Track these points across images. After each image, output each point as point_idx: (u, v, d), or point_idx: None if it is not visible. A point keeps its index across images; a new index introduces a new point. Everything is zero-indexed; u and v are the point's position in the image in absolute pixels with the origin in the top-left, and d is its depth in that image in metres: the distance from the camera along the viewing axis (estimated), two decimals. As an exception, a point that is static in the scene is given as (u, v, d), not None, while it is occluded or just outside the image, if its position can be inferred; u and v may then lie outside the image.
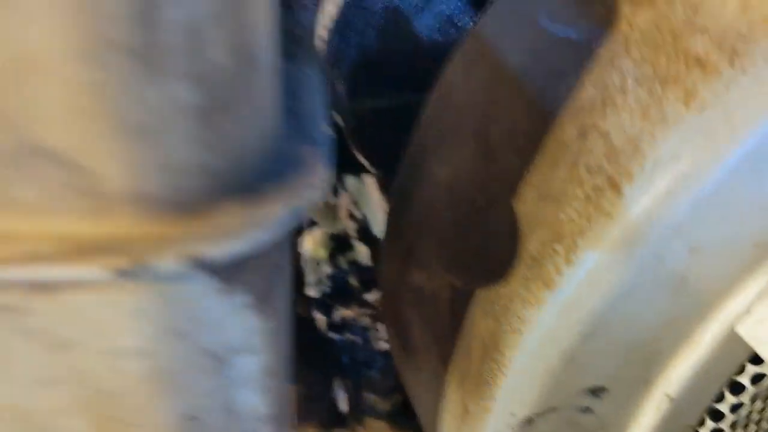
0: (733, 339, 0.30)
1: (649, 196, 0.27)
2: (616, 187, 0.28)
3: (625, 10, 0.31)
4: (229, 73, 0.18)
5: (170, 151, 0.18)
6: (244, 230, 0.19)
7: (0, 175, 0.18)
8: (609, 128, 0.29)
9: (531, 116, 0.32)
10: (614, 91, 0.29)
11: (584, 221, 0.29)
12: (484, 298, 0.32)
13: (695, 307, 0.30)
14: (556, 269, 0.29)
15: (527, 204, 0.31)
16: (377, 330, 0.66)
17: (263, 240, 0.19)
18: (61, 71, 0.17)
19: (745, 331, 0.29)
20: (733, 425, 0.32)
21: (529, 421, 0.32)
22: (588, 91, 0.30)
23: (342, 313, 0.67)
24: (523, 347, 0.30)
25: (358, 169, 0.59)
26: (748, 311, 0.29)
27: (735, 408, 0.32)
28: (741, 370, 0.31)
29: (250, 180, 0.20)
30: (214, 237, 0.19)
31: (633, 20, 0.30)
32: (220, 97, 0.18)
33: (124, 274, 0.18)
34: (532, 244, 0.30)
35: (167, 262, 0.18)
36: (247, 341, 0.22)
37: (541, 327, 0.30)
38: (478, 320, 0.32)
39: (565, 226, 0.29)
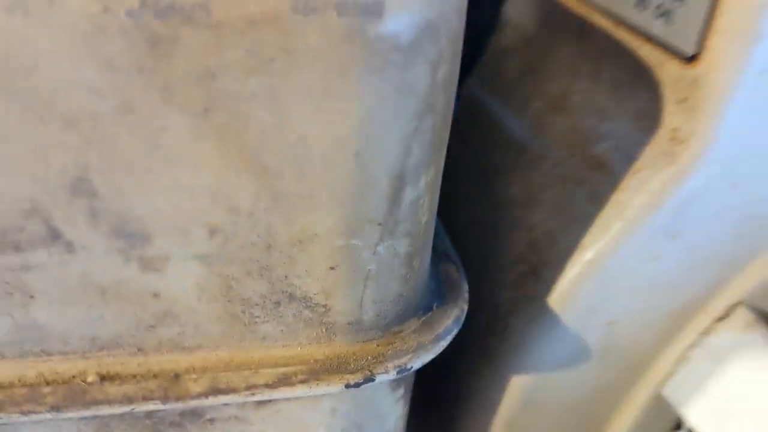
0: (660, 401, 0.34)
1: (564, 280, 0.31)
2: (536, 273, 0.32)
3: (549, 118, 0.35)
4: (426, 227, 0.24)
5: (384, 288, 0.24)
6: (432, 344, 0.25)
7: (252, 316, 0.23)
8: (533, 222, 0.33)
9: (484, 207, 0.36)
10: (537, 189, 0.34)
11: (512, 305, 0.33)
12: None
13: (622, 374, 0.34)
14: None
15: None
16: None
17: (442, 346, 0.25)
18: (329, 241, 0.22)
19: (668, 394, 0.34)
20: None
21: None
22: (517, 187, 0.35)
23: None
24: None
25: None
26: (670, 374, 0.34)
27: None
28: (678, 427, 0.36)
29: (423, 302, 0.26)
30: (413, 350, 0.25)
31: (554, 127, 0.35)
32: (419, 245, 0.24)
33: (351, 386, 0.24)
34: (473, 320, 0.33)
35: (389, 374, 0.24)
36: (396, 426, 0.28)
37: (483, 398, 0.34)
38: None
39: (501, 308, 0.33)
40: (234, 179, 0.20)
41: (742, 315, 0.33)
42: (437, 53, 0.20)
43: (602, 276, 0.31)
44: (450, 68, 0.21)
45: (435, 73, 0.20)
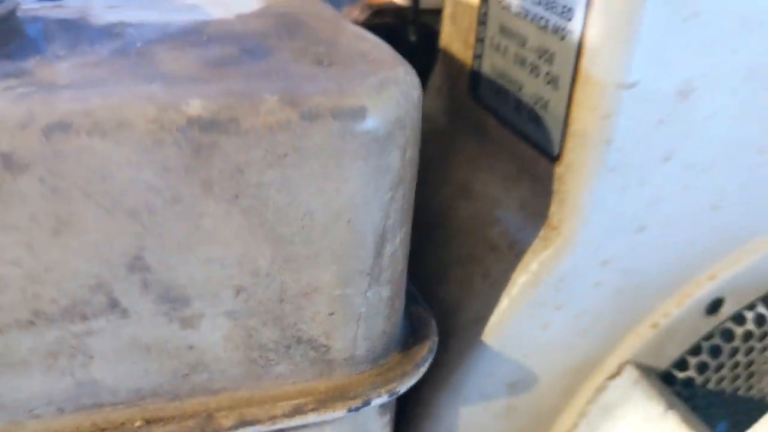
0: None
1: (466, 348, 0.36)
2: (443, 342, 0.35)
3: (455, 202, 0.40)
4: (401, 274, 0.30)
5: (372, 327, 0.30)
6: (413, 371, 0.31)
7: (267, 359, 0.29)
8: (442, 296, 0.38)
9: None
10: (446, 266, 0.38)
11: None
12: None
13: (528, 430, 0.39)
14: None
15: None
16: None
17: (422, 372, 0.31)
18: (329, 291, 0.28)
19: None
20: None
21: None
22: (430, 263, 0.39)
23: None
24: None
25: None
26: (573, 428, 0.38)
27: None
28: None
29: (401, 336, 0.32)
30: (399, 377, 0.30)
31: (459, 211, 0.39)
32: (397, 289, 0.30)
33: (353, 410, 0.29)
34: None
35: (382, 398, 0.30)
36: (384, 447, 0.33)
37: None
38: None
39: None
40: (255, 248, 0.26)
41: (630, 372, 0.38)
42: (405, 140, 0.27)
43: (498, 344, 0.36)
44: (414, 150, 0.27)
45: (404, 155, 0.27)
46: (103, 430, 0.27)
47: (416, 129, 0.27)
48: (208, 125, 0.24)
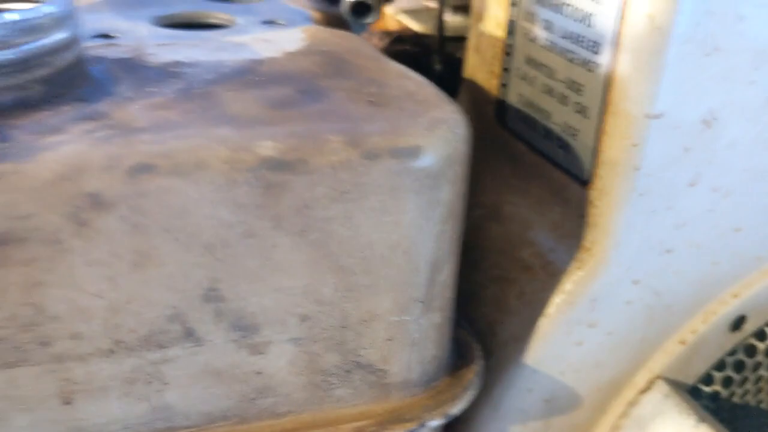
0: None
1: (504, 366, 0.37)
2: None
3: (486, 224, 0.41)
4: (450, 301, 0.32)
5: (425, 351, 0.32)
6: (462, 394, 0.32)
7: (329, 383, 0.30)
8: (476, 316, 0.39)
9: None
10: (479, 287, 0.40)
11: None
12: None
13: None
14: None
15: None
16: None
17: (472, 395, 0.33)
18: (386, 318, 0.30)
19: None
20: None
21: None
22: (463, 284, 0.37)
23: None
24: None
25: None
26: None
27: None
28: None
29: (450, 361, 0.33)
30: (451, 401, 0.32)
31: (490, 232, 0.41)
32: (447, 315, 0.32)
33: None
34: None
35: (438, 420, 0.31)
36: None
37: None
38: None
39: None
40: (320, 278, 0.28)
41: (660, 387, 0.40)
42: (455, 175, 0.28)
43: (536, 361, 0.37)
44: (463, 184, 0.29)
45: (454, 189, 0.29)
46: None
47: (465, 164, 0.29)
48: (278, 165, 0.26)
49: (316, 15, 0.42)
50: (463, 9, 0.54)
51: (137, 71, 0.31)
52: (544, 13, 0.38)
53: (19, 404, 0.27)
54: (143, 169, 0.24)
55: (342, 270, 0.28)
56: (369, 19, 0.42)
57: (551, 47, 0.38)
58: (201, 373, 0.28)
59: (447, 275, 0.30)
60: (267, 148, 0.26)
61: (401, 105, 0.29)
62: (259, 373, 0.29)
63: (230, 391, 0.29)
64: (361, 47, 0.36)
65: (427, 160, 0.27)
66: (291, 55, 0.34)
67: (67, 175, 0.24)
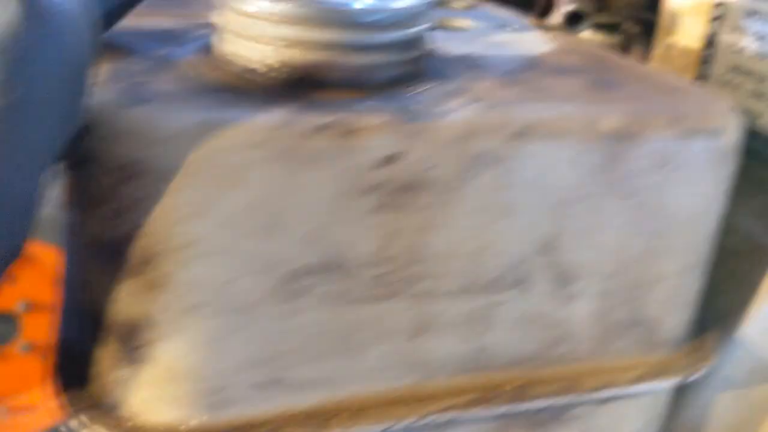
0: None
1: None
2: None
3: None
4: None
5: (689, 313, 0.36)
6: (710, 355, 0.36)
7: (616, 334, 0.34)
8: None
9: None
10: None
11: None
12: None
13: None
14: None
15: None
16: None
17: (715, 358, 0.37)
18: (673, 279, 0.34)
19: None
20: None
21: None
22: None
23: None
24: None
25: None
26: None
27: None
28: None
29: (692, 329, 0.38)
30: (703, 361, 0.36)
31: None
32: (704, 282, 0.36)
33: (679, 382, 0.35)
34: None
35: (698, 374, 0.35)
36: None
37: None
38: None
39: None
40: (630, 239, 0.32)
41: None
42: (737, 155, 0.33)
43: (754, 331, 0.41)
44: (737, 164, 0.34)
45: (735, 167, 0.33)
46: (493, 387, 0.33)
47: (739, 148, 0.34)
48: (620, 136, 0.30)
49: (533, 21, 0.46)
50: (607, 28, 0.59)
51: (447, 60, 0.35)
52: (756, 26, 0.43)
53: (377, 337, 0.31)
54: (524, 132, 0.29)
55: (648, 233, 0.32)
56: (582, 27, 0.47)
57: (763, 56, 0.42)
58: (519, 319, 0.32)
59: (713, 245, 0.35)
60: (612, 120, 0.30)
61: (686, 93, 0.34)
62: (564, 321, 0.33)
63: (536, 337, 0.33)
64: (599, 49, 0.41)
65: (727, 139, 0.32)
66: (555, 53, 0.39)
67: (465, 135, 0.28)
